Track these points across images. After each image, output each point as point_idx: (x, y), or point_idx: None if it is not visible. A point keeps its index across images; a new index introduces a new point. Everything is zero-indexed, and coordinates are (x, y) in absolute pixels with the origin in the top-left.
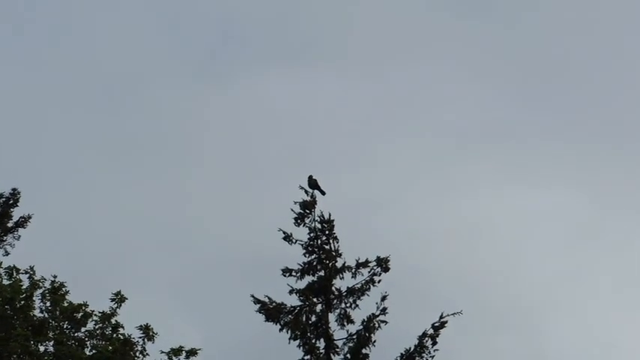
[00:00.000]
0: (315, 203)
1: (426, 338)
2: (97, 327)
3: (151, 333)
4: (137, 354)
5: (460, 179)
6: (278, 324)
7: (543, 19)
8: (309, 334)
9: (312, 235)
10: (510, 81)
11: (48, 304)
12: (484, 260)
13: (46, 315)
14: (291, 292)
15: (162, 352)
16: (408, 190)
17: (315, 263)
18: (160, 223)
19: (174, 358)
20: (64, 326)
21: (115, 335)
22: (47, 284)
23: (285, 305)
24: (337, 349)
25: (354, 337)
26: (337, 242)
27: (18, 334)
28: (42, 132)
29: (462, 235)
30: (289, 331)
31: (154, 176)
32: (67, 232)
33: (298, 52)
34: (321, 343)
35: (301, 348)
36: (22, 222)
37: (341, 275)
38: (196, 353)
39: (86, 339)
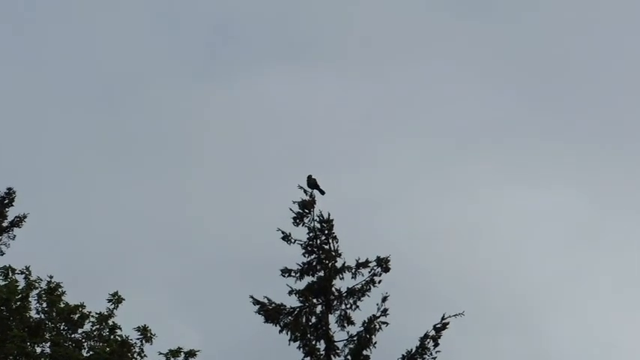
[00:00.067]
0: (314, 203)
1: (428, 339)
2: (94, 328)
3: (148, 334)
4: (135, 355)
5: (460, 179)
6: (278, 325)
7: (543, 19)
8: (309, 335)
9: (311, 234)
10: (510, 81)
11: (44, 304)
12: (484, 260)
13: (43, 316)
14: (290, 292)
15: (161, 353)
16: (408, 190)
17: (314, 263)
18: (160, 223)
19: (172, 359)
20: (61, 327)
21: (112, 337)
22: (43, 285)
23: (285, 306)
24: (338, 351)
25: (355, 338)
26: (337, 242)
27: (14, 335)
28: (42, 131)
29: (462, 235)
30: (289, 333)
31: (154, 176)
32: (67, 232)
33: (298, 51)
34: (321, 345)
35: (301, 350)
36: (18, 221)
37: (341, 276)
38: (195, 355)
39: (83, 340)
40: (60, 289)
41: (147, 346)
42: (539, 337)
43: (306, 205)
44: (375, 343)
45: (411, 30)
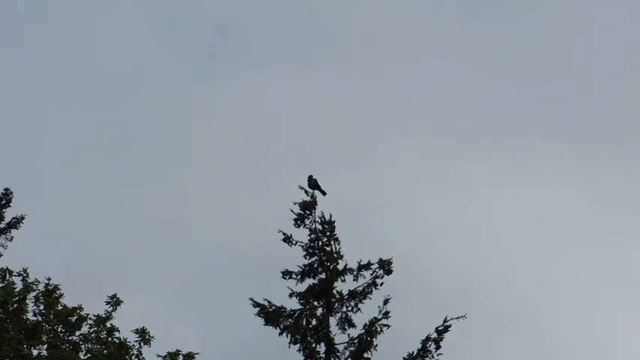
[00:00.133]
0: (316, 204)
1: (430, 342)
2: (91, 330)
3: (147, 337)
4: (133, 358)
5: (460, 179)
6: (278, 328)
7: (543, 19)
8: (309, 338)
9: (312, 236)
10: (510, 81)
11: (42, 307)
12: (484, 260)
13: (40, 318)
14: (291, 295)
15: (159, 356)
16: (408, 190)
17: (315, 265)
18: (160, 223)
19: None
20: (58, 330)
21: (110, 339)
22: (41, 287)
23: (285, 309)
24: (338, 354)
25: (356, 341)
26: (338, 244)
27: (11, 337)
28: (41, 131)
29: (462, 235)
30: (289, 336)
31: (154, 176)
32: (66, 233)
33: (298, 51)
34: (321, 348)
35: (301, 352)
36: (15, 223)
37: (342, 278)
38: (194, 357)
39: (81, 343)
40: (58, 291)
41: (145, 349)
42: (541, 337)
43: (308, 206)
44: (376, 345)
45: (411, 30)
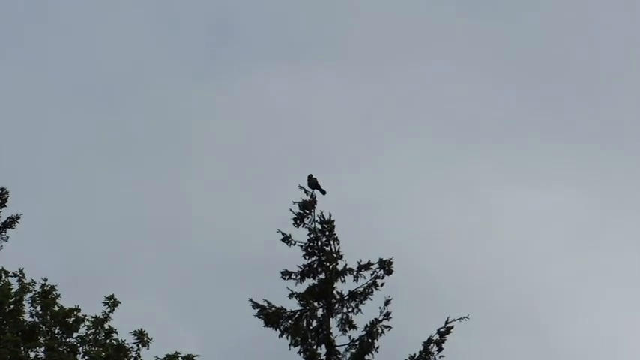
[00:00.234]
0: (315, 203)
1: (432, 344)
2: (89, 332)
3: (145, 338)
4: None
5: (460, 179)
6: (278, 329)
7: (543, 19)
8: (309, 339)
9: (312, 236)
10: (510, 81)
11: (38, 308)
12: (485, 260)
13: (37, 319)
14: (290, 295)
15: (158, 357)
16: (408, 190)
17: (315, 265)
18: (160, 224)
19: None
20: (56, 331)
21: (108, 341)
22: (37, 287)
23: (285, 310)
24: (339, 356)
25: (357, 342)
26: (338, 244)
27: (7, 339)
28: (41, 131)
29: (462, 235)
30: (289, 337)
31: (154, 176)
32: (66, 233)
33: (298, 51)
34: (322, 350)
35: (302, 354)
36: (10, 223)
37: (342, 278)
38: (193, 359)
39: (78, 344)
40: (54, 292)
41: (143, 350)
42: (542, 337)
43: (307, 206)
44: (378, 347)
45: (411, 30)
